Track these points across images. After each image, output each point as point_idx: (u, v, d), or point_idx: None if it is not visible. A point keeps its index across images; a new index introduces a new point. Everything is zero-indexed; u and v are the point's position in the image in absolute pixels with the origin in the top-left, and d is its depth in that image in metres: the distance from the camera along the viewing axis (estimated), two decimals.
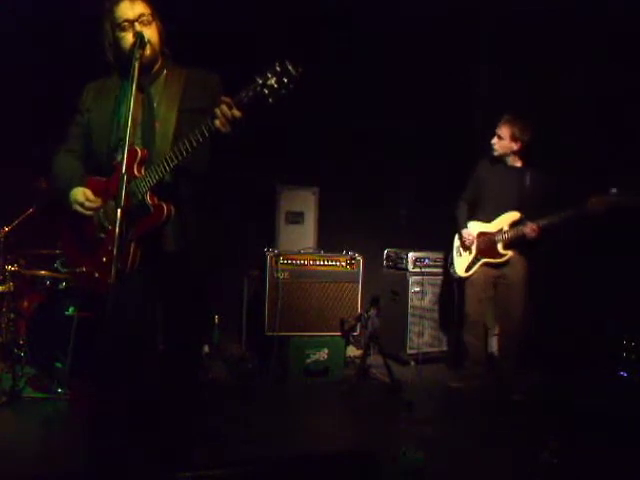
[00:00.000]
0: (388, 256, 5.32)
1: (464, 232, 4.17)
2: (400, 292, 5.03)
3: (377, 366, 4.45)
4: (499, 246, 4.04)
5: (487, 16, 4.84)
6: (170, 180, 2.34)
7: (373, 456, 2.43)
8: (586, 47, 4.57)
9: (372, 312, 4.28)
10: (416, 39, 5.05)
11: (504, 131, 4.05)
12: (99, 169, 2.44)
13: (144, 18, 2.35)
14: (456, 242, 4.31)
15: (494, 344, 5.35)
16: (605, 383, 4.14)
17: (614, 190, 3.67)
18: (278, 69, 2.07)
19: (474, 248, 4.15)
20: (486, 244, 4.09)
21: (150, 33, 2.36)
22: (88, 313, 3.63)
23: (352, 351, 4.99)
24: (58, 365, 3.65)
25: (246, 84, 2.10)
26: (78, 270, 2.43)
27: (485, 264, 4.11)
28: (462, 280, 4.24)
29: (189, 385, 2.66)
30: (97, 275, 2.37)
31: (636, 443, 3.23)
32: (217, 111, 2.12)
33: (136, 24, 2.33)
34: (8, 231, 3.91)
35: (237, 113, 2.11)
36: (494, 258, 4.07)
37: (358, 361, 4.50)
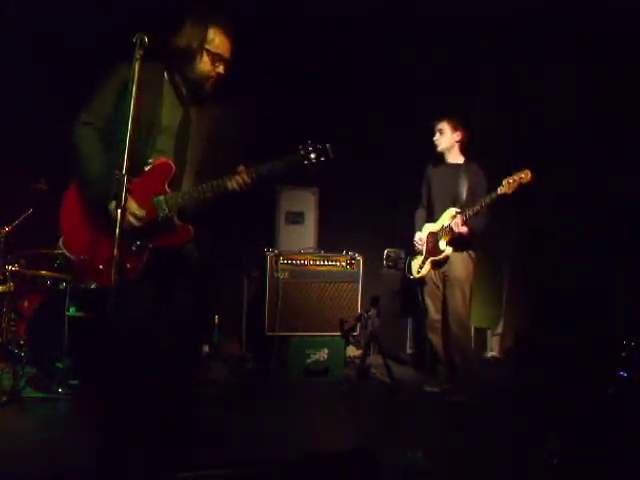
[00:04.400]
0: (388, 256, 5.31)
1: (415, 237, 4.30)
2: (400, 292, 5.03)
3: (377, 366, 4.45)
4: (440, 243, 4.11)
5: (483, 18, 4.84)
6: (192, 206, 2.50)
7: (373, 456, 2.43)
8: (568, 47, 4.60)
9: (372, 312, 4.28)
10: (417, 40, 5.05)
11: (444, 125, 4.18)
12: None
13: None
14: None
15: (494, 345, 5.37)
16: (605, 383, 4.13)
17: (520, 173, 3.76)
18: (320, 147, 2.47)
19: (424, 249, 4.24)
20: (433, 243, 4.18)
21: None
22: (87, 313, 3.63)
23: (352, 351, 4.99)
24: (58, 365, 3.64)
25: (291, 151, 2.49)
26: (83, 258, 2.45)
27: (432, 262, 4.19)
28: (418, 281, 4.32)
29: (188, 384, 2.69)
30: (101, 268, 2.41)
31: (636, 443, 3.23)
32: (236, 178, 2.45)
33: (219, 63, 2.49)
34: (8, 231, 3.91)
35: (248, 180, 2.46)
36: (436, 255, 4.15)
37: (358, 361, 4.50)
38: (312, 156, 2.46)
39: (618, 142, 4.48)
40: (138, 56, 2.23)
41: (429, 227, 4.24)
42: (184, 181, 2.50)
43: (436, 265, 4.18)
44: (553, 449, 2.87)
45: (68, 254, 2.48)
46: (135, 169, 2.39)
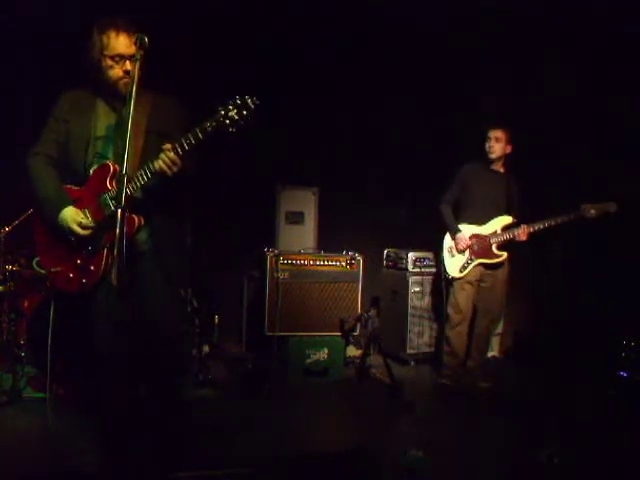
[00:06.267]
0: (388, 256, 5.32)
1: (459, 237, 4.26)
2: (400, 292, 5.03)
3: (377, 366, 4.45)
4: (494, 247, 4.20)
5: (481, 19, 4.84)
6: (140, 194, 2.50)
7: (373, 456, 2.43)
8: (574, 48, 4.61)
9: (372, 312, 4.29)
10: (417, 40, 5.04)
11: (501, 134, 4.22)
12: (72, 177, 2.59)
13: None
14: (446, 243, 4.36)
15: (494, 345, 5.36)
16: (605, 383, 4.14)
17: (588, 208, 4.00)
18: (238, 102, 2.31)
19: (468, 250, 4.24)
20: (481, 246, 4.21)
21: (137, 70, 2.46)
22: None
23: (352, 351, 4.99)
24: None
25: (210, 114, 2.33)
26: (54, 270, 2.57)
27: (479, 264, 4.24)
28: (453, 280, 4.31)
29: (174, 373, 2.75)
30: (72, 276, 2.53)
31: (636, 443, 3.23)
32: (161, 156, 2.38)
33: (122, 62, 2.48)
34: (8, 231, 3.91)
35: (173, 156, 2.36)
36: (490, 258, 4.22)
37: (358, 361, 4.50)
38: (232, 114, 2.31)
39: (619, 142, 4.49)
40: (138, 56, 2.28)
41: (471, 229, 4.26)
42: (129, 173, 2.45)
43: (486, 266, 4.24)
44: (553, 449, 2.88)
45: (42, 270, 2.63)
46: (81, 179, 2.56)
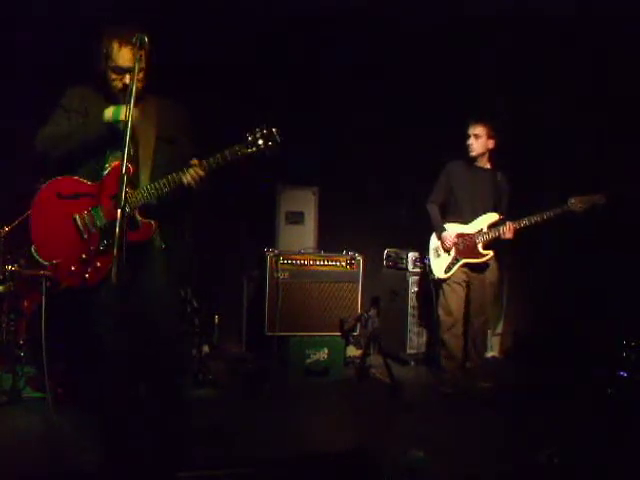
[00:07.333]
0: (388, 256, 5.32)
1: (445, 235, 4.18)
2: (400, 292, 5.03)
3: (377, 366, 4.45)
4: (479, 246, 4.11)
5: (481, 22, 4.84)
6: (155, 200, 2.55)
7: (373, 456, 2.43)
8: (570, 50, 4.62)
9: (372, 312, 4.28)
10: (416, 39, 5.05)
11: (481, 130, 4.11)
12: (81, 172, 2.58)
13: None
14: (432, 244, 4.29)
15: (494, 345, 5.37)
16: (605, 383, 4.14)
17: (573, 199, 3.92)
18: (265, 132, 2.51)
19: (453, 249, 4.17)
20: (466, 245, 4.13)
21: (140, 82, 2.50)
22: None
23: (352, 351, 4.99)
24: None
25: (238, 140, 2.52)
26: (55, 262, 2.55)
27: (465, 264, 4.16)
28: (440, 281, 4.24)
29: (174, 374, 2.77)
30: (74, 269, 2.52)
31: (636, 443, 3.23)
32: (190, 171, 2.48)
33: (122, 75, 2.49)
34: (8, 231, 3.90)
35: (202, 173, 2.48)
36: (475, 258, 4.13)
37: (358, 361, 4.50)
38: (260, 142, 2.50)
39: (618, 142, 4.49)
40: (139, 56, 2.28)
41: (457, 228, 4.17)
42: (141, 178, 2.56)
43: (471, 267, 4.15)
44: (553, 449, 2.87)
45: (41, 261, 2.57)
46: (94, 176, 2.57)
